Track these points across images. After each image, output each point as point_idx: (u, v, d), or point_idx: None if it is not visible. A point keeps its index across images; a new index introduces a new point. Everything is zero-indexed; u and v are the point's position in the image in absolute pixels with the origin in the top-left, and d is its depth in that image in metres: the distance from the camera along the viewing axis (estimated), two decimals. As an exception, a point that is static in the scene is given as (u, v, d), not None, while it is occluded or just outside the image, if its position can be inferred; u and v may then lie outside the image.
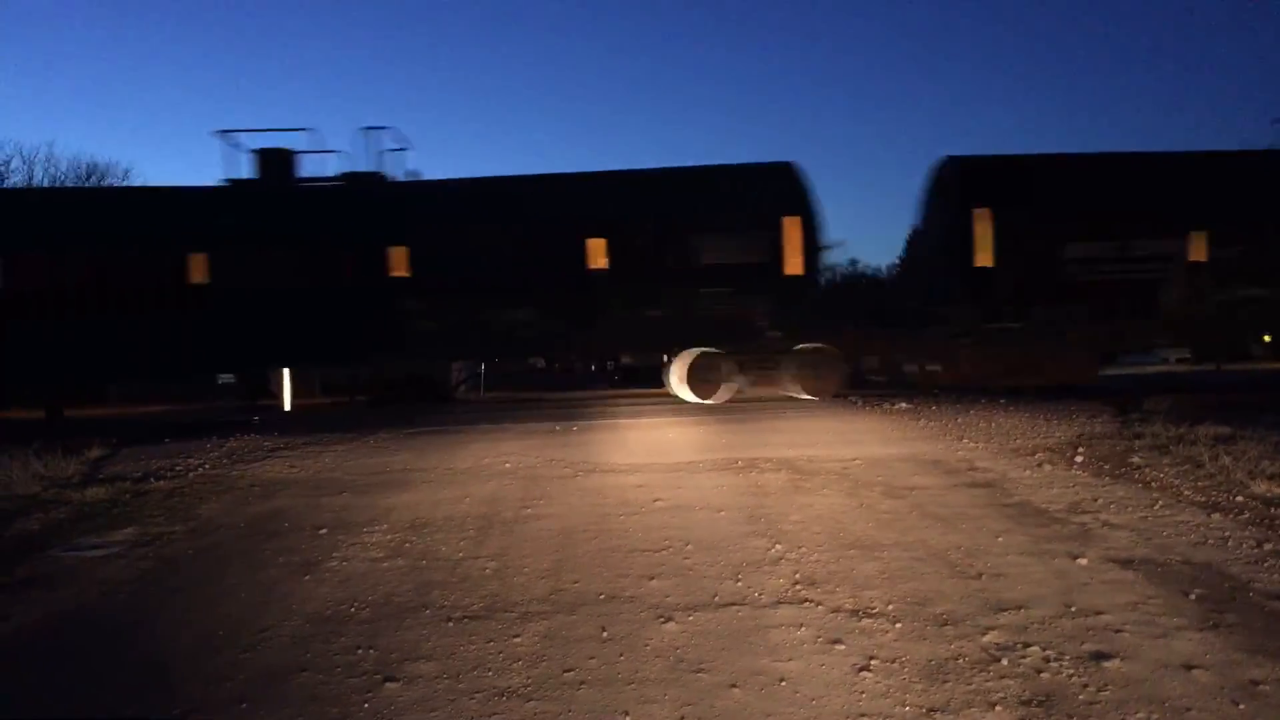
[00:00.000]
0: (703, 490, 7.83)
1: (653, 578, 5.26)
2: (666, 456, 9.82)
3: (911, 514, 6.72)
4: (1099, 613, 4.42)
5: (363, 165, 18.00)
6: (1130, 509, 6.65)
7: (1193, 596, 4.64)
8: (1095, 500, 6.97)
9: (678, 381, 17.80)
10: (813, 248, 16.91)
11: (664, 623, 4.49)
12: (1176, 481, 7.53)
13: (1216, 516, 6.33)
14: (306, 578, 5.52)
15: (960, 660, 3.89)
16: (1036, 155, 18.42)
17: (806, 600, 4.76)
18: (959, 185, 17.36)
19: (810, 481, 8.04)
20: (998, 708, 3.42)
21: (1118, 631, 4.17)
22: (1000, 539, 5.92)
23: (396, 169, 18.29)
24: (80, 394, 20.42)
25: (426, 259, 16.83)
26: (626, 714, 3.48)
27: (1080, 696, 3.50)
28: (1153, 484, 7.51)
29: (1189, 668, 3.73)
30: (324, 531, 6.74)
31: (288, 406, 18.96)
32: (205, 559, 6.15)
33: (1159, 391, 14.56)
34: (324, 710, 3.60)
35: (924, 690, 3.60)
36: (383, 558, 5.94)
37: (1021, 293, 16.93)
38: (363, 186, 17.79)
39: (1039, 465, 8.55)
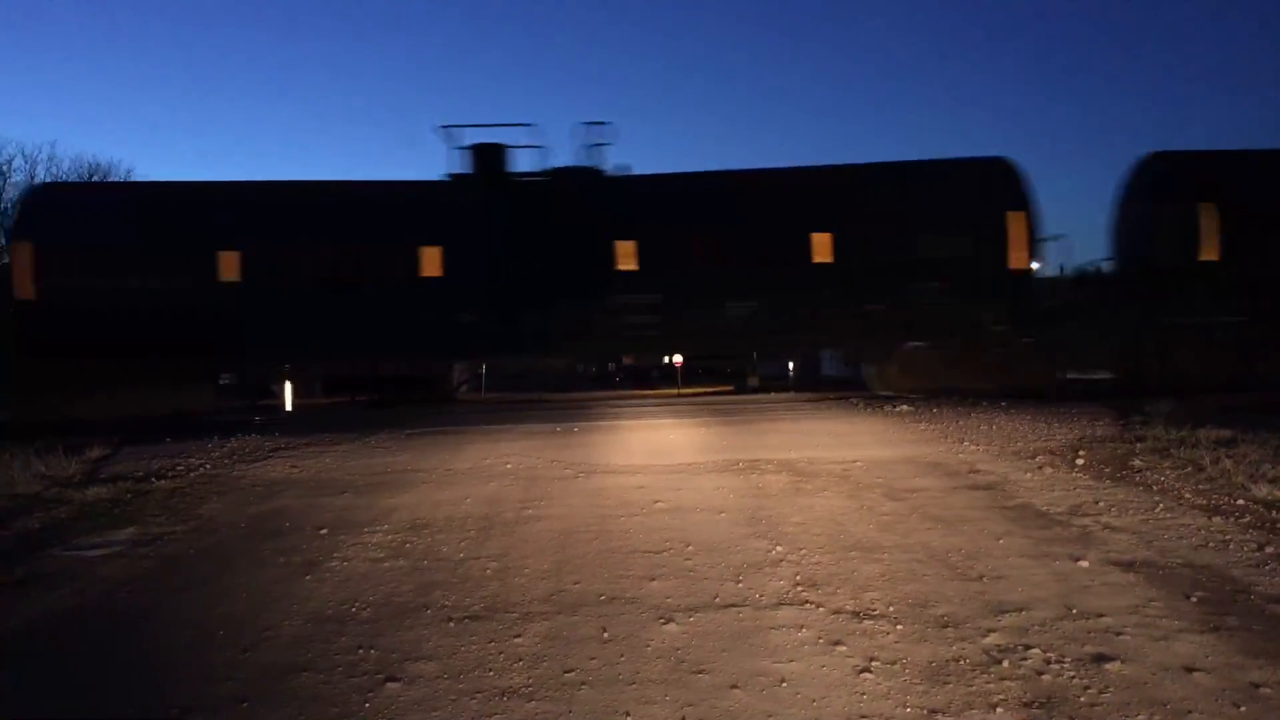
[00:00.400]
0: (703, 492, 7.83)
1: (654, 579, 5.26)
2: (667, 458, 9.82)
3: (912, 516, 6.71)
4: (1100, 615, 4.42)
5: (573, 160, 18.07)
6: (1131, 512, 6.65)
7: (1194, 599, 4.64)
8: (1096, 503, 6.97)
9: (894, 373, 17.87)
10: (1034, 242, 16.90)
11: (665, 624, 4.49)
12: (1178, 484, 7.52)
13: (1217, 520, 6.32)
14: (307, 577, 5.53)
15: (961, 662, 3.89)
16: (1253, 150, 18.32)
17: (807, 602, 4.76)
18: (1182, 180, 17.20)
19: (811, 483, 8.04)
20: (999, 709, 3.42)
21: (1119, 634, 4.17)
22: (1001, 541, 5.91)
23: (605, 164, 18.26)
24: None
25: (652, 253, 16.93)
26: (627, 714, 3.48)
27: (1081, 699, 3.49)
28: (1154, 487, 7.51)
29: (1190, 670, 3.73)
30: (325, 532, 6.74)
31: (289, 407, 18.95)
32: (206, 559, 6.15)
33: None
34: (325, 710, 3.60)
35: (925, 692, 3.60)
36: (384, 558, 5.95)
37: (1247, 286, 16.73)
38: (591, 181, 17.81)
39: (1040, 468, 8.55)
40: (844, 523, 6.53)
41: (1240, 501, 6.78)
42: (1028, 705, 3.45)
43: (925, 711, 3.42)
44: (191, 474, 9.61)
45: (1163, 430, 10.05)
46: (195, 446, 11.55)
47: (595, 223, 17.09)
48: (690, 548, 5.92)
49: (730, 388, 23.77)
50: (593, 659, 4.05)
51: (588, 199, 17.39)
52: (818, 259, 16.91)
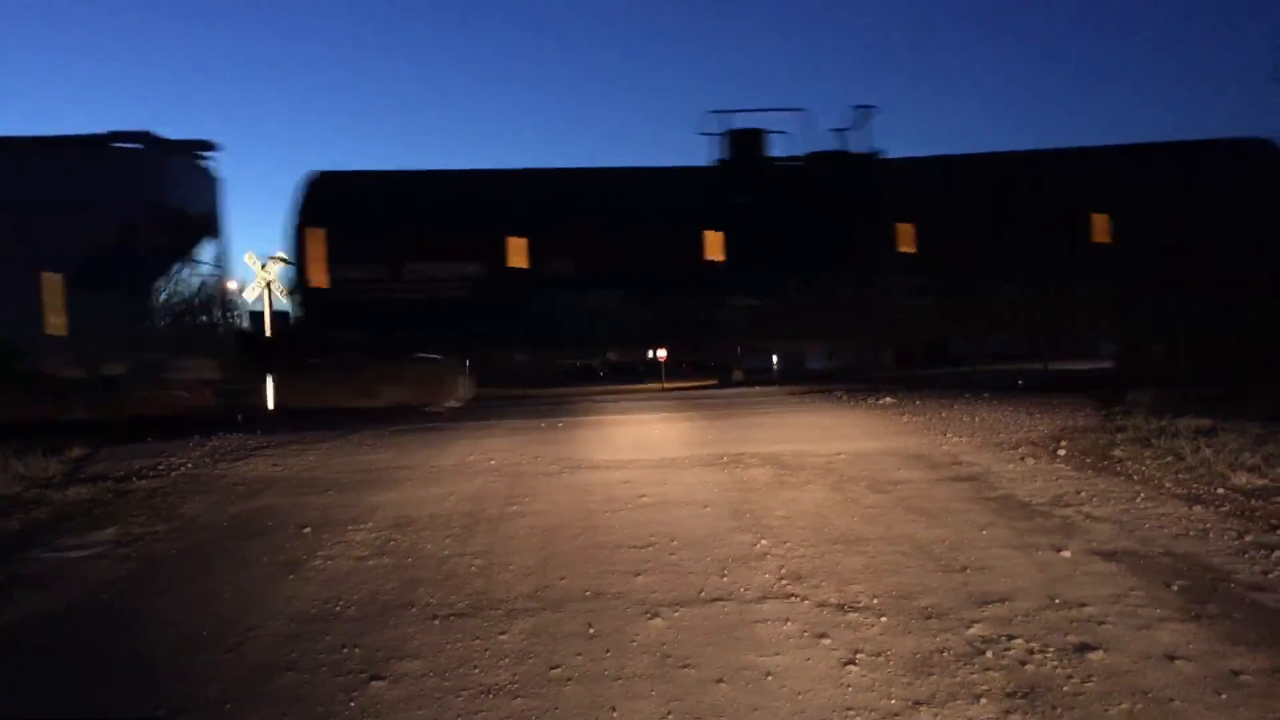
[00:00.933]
0: (688, 486, 7.84)
1: (639, 574, 5.26)
2: (652, 452, 9.82)
3: (896, 508, 6.74)
4: (1082, 605, 4.45)
5: (835, 144, 18.11)
6: (1112, 501, 6.70)
7: (1175, 588, 4.68)
8: (1078, 493, 7.02)
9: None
10: None
11: (650, 619, 4.49)
12: (1158, 474, 7.59)
13: (1198, 508, 6.38)
14: (291, 577, 5.50)
15: (945, 653, 3.91)
16: None
17: (792, 595, 4.77)
18: None
19: (795, 476, 8.06)
20: (983, 700, 3.43)
21: (1101, 623, 4.20)
22: (984, 532, 5.95)
23: (871, 147, 18.28)
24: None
25: (928, 237, 16.79)
26: (613, 710, 3.48)
27: (1064, 688, 3.52)
28: (1135, 476, 7.57)
29: (1172, 658, 3.76)
30: (308, 530, 6.71)
31: (270, 405, 18.85)
32: (188, 559, 6.11)
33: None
34: (310, 709, 3.58)
35: (909, 683, 3.61)
36: (368, 556, 5.92)
37: None
38: (859, 165, 17.74)
39: (1022, 459, 8.60)
40: (828, 515, 6.55)
41: (1220, 490, 6.85)
42: (1011, 695, 3.47)
43: (910, 703, 3.44)
44: (173, 473, 9.54)
45: (1144, 420, 10.14)
46: (176, 445, 11.48)
47: (865, 206, 17.12)
48: (675, 542, 5.93)
49: (715, 381, 23.82)
50: (579, 655, 4.05)
51: (856, 183, 17.46)
52: (1098, 239, 16.74)
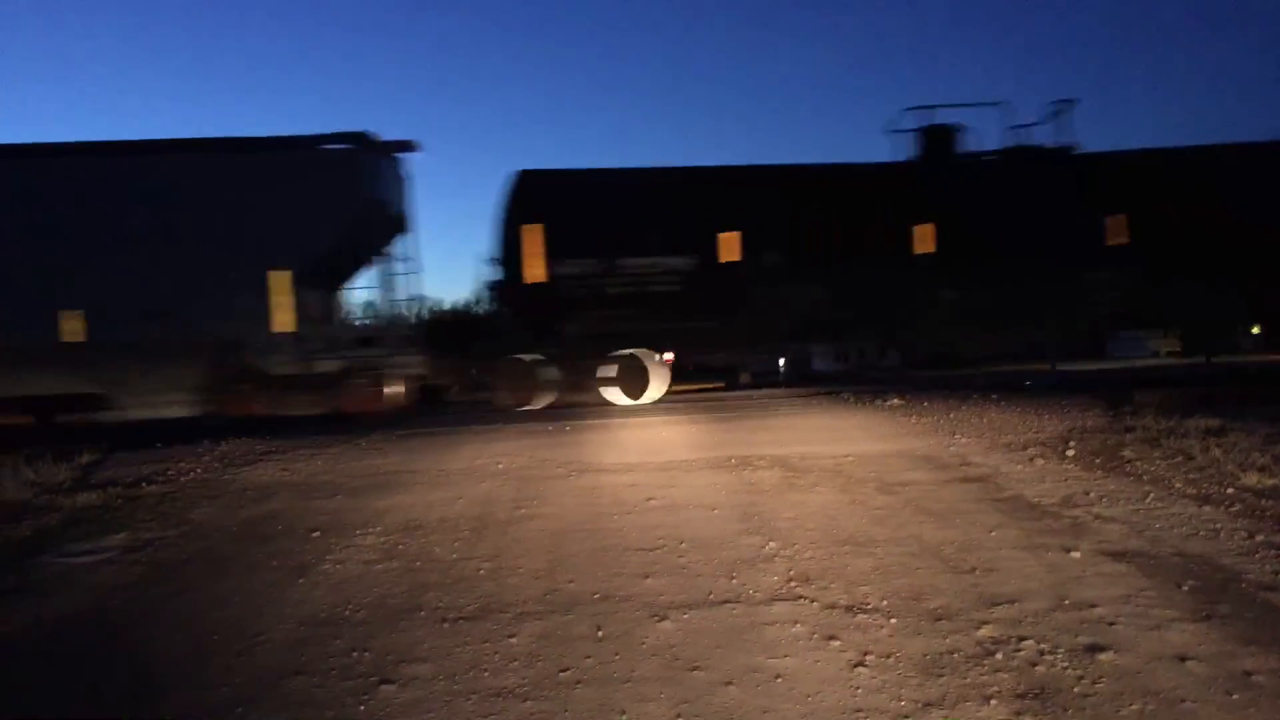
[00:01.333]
0: (696, 488, 7.83)
1: (647, 576, 5.26)
2: (659, 455, 9.82)
3: (905, 510, 6.73)
4: (1092, 605, 4.44)
5: (1025, 139, 18.45)
6: (1122, 502, 6.68)
7: (1185, 588, 4.66)
8: (1087, 494, 7.00)
9: None
10: None
11: (659, 621, 4.49)
12: (1168, 474, 7.56)
13: (1208, 508, 6.36)
14: (300, 581, 5.51)
15: (955, 655, 3.90)
16: None
17: (801, 597, 4.77)
18: None
19: (803, 478, 8.05)
20: (993, 701, 3.43)
21: (1111, 624, 4.19)
22: (993, 533, 5.93)
23: (1072, 141, 18.59)
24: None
25: (1145, 230, 17.12)
26: (623, 713, 3.48)
27: (1075, 689, 3.51)
28: (1144, 477, 7.54)
29: (1183, 659, 3.75)
30: (317, 534, 6.72)
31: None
32: (198, 564, 6.13)
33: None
34: (320, 714, 3.59)
35: (919, 685, 3.61)
36: (377, 560, 5.93)
37: None
38: (1061, 159, 18.06)
39: (1031, 460, 8.58)
40: (836, 517, 6.54)
41: (1230, 490, 6.82)
42: (1021, 696, 3.46)
43: (920, 705, 3.43)
44: (182, 478, 9.57)
45: (1152, 420, 10.10)
46: (185, 451, 11.50)
47: (1066, 200, 17.41)
48: (684, 545, 5.93)
49: (721, 384, 23.79)
50: (588, 658, 4.05)
51: (1062, 177, 17.76)
52: None
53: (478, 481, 8.67)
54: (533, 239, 16.58)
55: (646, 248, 16.93)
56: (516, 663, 4.02)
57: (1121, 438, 9.42)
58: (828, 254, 17.17)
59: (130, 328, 14.92)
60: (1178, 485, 7.14)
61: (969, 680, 3.63)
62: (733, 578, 5.16)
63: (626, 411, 15.61)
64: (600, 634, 4.35)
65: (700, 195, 17.53)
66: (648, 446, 10.64)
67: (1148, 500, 6.69)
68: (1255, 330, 20.82)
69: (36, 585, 5.69)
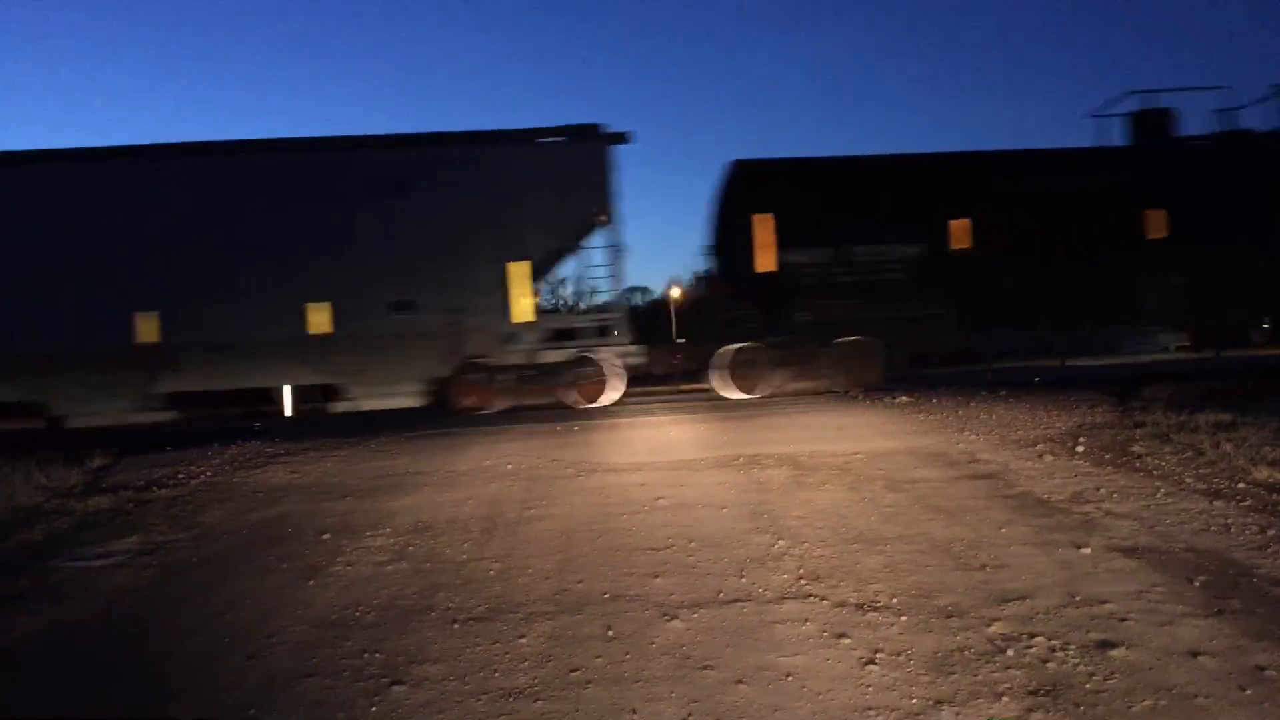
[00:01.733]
0: (705, 487, 7.83)
1: (657, 576, 5.26)
2: (667, 455, 9.82)
3: (914, 507, 6.72)
4: (1104, 601, 4.43)
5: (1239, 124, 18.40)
6: (1132, 497, 6.66)
7: (1197, 583, 4.65)
8: (1097, 490, 6.98)
9: None
10: None
11: (669, 620, 4.49)
12: (1178, 469, 7.53)
13: (1219, 503, 6.33)
14: (311, 583, 5.53)
15: (966, 652, 3.89)
16: None
17: (811, 595, 4.77)
18: None
19: (812, 477, 8.04)
20: (1004, 698, 3.42)
21: (1123, 620, 4.18)
22: (1003, 530, 5.92)
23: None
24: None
25: None
26: (634, 712, 3.49)
27: (1087, 685, 3.50)
28: (1154, 472, 7.52)
29: (1195, 654, 3.74)
30: (327, 536, 6.74)
31: (288, 412, 18.95)
32: (209, 566, 6.15)
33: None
34: (331, 715, 3.60)
35: (930, 682, 3.60)
36: (386, 561, 5.95)
37: None
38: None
39: (1040, 456, 8.56)
40: (846, 515, 6.53)
41: (1241, 485, 6.79)
42: (1033, 693, 3.45)
43: (931, 702, 3.43)
44: (192, 482, 9.61)
45: (1162, 415, 10.06)
46: (196, 454, 11.55)
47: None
48: (693, 544, 5.93)
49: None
50: (598, 657, 4.06)
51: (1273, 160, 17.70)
52: None
53: (487, 482, 8.68)
54: (764, 229, 16.63)
55: (876, 235, 16.90)
56: (527, 663, 4.03)
57: (1131, 433, 9.40)
58: (1052, 239, 16.92)
59: (373, 320, 15.28)
60: (1188, 481, 7.12)
61: (980, 677, 3.62)
62: (742, 576, 5.16)
63: (634, 411, 15.59)
64: (610, 633, 4.35)
65: (927, 182, 17.43)
66: (656, 446, 10.64)
67: (1158, 496, 6.67)
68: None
69: (49, 589, 5.71)
